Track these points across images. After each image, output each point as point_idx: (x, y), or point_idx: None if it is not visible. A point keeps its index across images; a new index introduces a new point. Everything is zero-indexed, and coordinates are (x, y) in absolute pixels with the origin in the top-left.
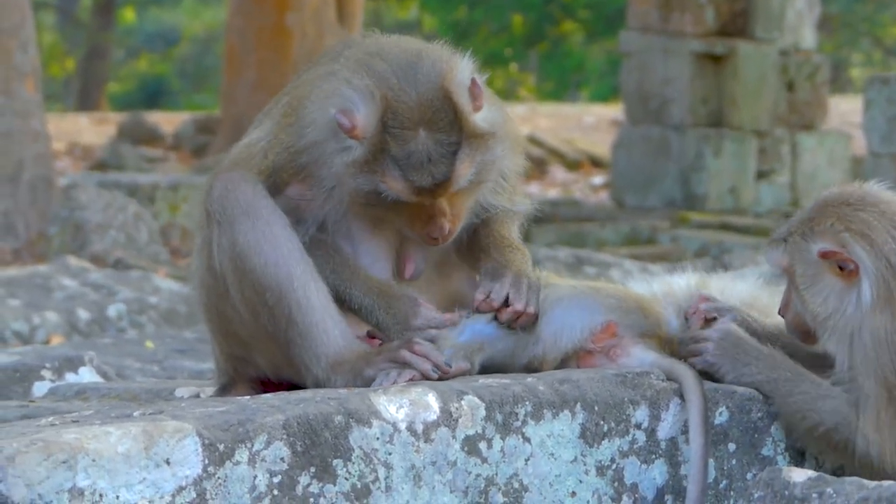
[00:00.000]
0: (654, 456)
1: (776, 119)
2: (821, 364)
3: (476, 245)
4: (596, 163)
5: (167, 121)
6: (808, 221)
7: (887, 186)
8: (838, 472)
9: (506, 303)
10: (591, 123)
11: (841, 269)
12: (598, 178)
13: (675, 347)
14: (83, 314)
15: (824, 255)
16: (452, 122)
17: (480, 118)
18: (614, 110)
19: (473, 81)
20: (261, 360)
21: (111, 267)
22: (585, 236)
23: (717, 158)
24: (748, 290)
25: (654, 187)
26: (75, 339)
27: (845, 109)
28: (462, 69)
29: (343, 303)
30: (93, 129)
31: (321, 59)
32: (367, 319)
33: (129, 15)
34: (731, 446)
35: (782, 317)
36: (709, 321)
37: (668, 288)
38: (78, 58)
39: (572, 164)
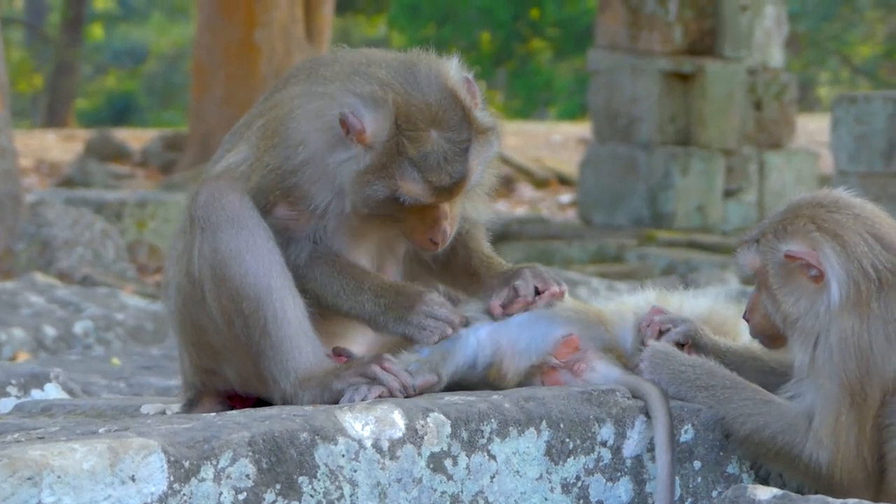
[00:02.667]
0: (619, 474)
1: (744, 137)
2: (768, 384)
3: (458, 265)
4: (563, 181)
5: (135, 137)
6: (780, 222)
7: (855, 194)
8: (802, 490)
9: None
10: (558, 141)
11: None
12: (566, 196)
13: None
14: (50, 331)
15: (791, 258)
16: (462, 120)
17: (481, 115)
18: (582, 128)
19: (469, 80)
20: (230, 372)
21: (78, 283)
22: (552, 254)
23: (684, 177)
24: (706, 305)
25: (621, 205)
26: (42, 356)
27: (813, 128)
28: (455, 70)
29: (347, 309)
30: (60, 146)
31: (290, 80)
32: (377, 319)
33: (97, 31)
34: (697, 464)
35: (747, 321)
36: (662, 333)
37: (626, 304)
38: (46, 74)
39: (540, 182)
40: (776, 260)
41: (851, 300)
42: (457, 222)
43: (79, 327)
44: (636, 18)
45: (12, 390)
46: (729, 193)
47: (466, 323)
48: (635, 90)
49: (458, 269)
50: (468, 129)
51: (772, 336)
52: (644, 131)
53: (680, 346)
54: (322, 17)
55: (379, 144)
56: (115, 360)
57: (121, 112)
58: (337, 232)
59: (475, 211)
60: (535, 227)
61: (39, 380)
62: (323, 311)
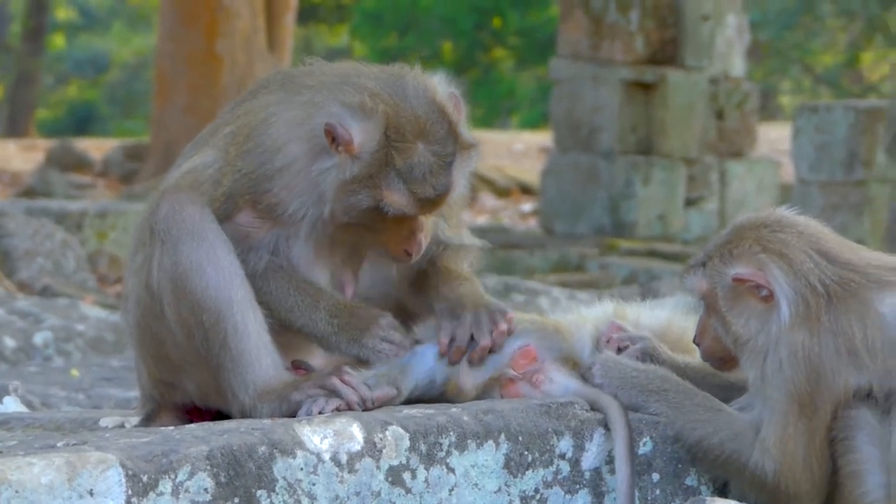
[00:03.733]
0: (578, 486)
1: (705, 147)
2: (728, 399)
3: (423, 280)
4: (525, 190)
5: (96, 147)
6: (726, 245)
7: (799, 212)
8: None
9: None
10: (520, 150)
11: (758, 293)
12: (528, 205)
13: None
14: (9, 342)
15: (738, 280)
16: (448, 134)
17: (465, 130)
18: (544, 137)
19: (455, 96)
20: (189, 384)
21: (38, 294)
22: (514, 263)
23: (645, 186)
24: (664, 318)
25: (583, 215)
26: (1, 368)
27: (774, 137)
28: (442, 84)
29: (300, 325)
30: (21, 156)
31: (260, 91)
32: (330, 339)
33: (58, 41)
34: (655, 476)
35: (697, 345)
36: (621, 350)
37: (584, 317)
38: (7, 84)
39: (502, 192)
40: (724, 283)
41: (801, 316)
42: (430, 235)
43: (38, 338)
44: (598, 28)
45: None
46: (690, 202)
47: (417, 343)
48: (597, 99)
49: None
50: (453, 143)
51: (723, 359)
52: (605, 140)
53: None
54: (284, 27)
55: (367, 155)
56: (75, 372)
57: (82, 121)
58: (304, 241)
59: (452, 225)
60: (496, 236)
61: None
62: (274, 322)
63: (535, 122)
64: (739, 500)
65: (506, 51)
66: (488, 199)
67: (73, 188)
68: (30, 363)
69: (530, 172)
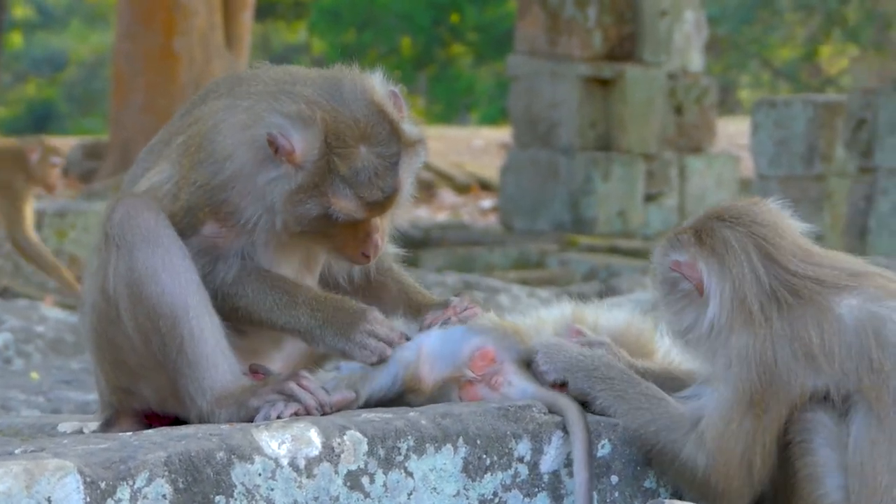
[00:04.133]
0: (536, 489)
1: (664, 142)
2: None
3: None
4: (485, 186)
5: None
6: (679, 230)
7: (777, 203)
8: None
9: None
10: (480, 146)
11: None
12: (487, 202)
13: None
14: None
15: (673, 268)
16: (390, 134)
17: (409, 127)
18: (504, 133)
19: (395, 94)
20: (147, 391)
21: None
22: (474, 260)
23: (605, 182)
24: (622, 319)
25: (542, 211)
26: None
27: (733, 131)
28: (380, 84)
29: (282, 324)
30: None
31: (209, 96)
32: (314, 333)
33: (15, 39)
34: (614, 478)
35: None
36: None
37: (543, 319)
38: None
39: (461, 188)
40: (663, 266)
41: (738, 319)
42: (387, 235)
43: None
44: (555, 23)
45: None
46: (650, 198)
47: (406, 339)
48: (555, 95)
49: (388, 299)
50: (397, 142)
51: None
52: (564, 136)
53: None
54: (241, 23)
55: (309, 164)
56: (34, 375)
57: (41, 120)
58: (265, 247)
59: (403, 219)
60: (456, 233)
61: None
62: (242, 328)
63: (494, 117)
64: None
65: (464, 47)
66: (448, 196)
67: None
68: None
69: (490, 168)
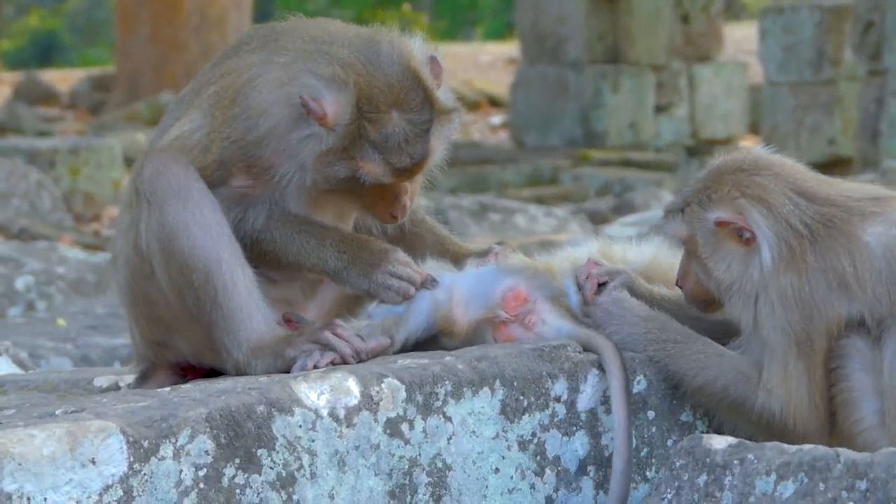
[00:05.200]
0: (574, 428)
1: (672, 52)
2: (709, 332)
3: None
4: (494, 102)
5: (62, 79)
6: (704, 190)
7: (773, 151)
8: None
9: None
10: (487, 62)
11: (739, 236)
12: (497, 118)
13: (578, 316)
14: None
15: (720, 224)
16: (423, 101)
17: (443, 95)
18: (510, 48)
19: (434, 60)
20: (182, 344)
21: (16, 236)
22: (487, 178)
23: (615, 94)
24: (650, 254)
25: (553, 126)
26: None
27: (740, 37)
28: (419, 48)
29: (310, 266)
30: None
31: (242, 48)
32: (341, 274)
33: None
34: (651, 414)
35: (680, 288)
36: (601, 285)
37: (571, 257)
38: None
39: (470, 105)
40: (704, 228)
41: (785, 259)
42: (417, 194)
43: (20, 283)
44: None
45: None
46: (660, 109)
47: (431, 282)
48: (562, 10)
49: (424, 248)
50: (430, 110)
51: (706, 301)
52: (572, 51)
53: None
54: None
55: (340, 127)
56: (61, 321)
57: (45, 51)
58: (296, 202)
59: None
60: (468, 152)
61: None
62: (274, 277)
63: (499, 32)
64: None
65: None
66: None
67: (43, 122)
68: (15, 315)
69: (498, 84)
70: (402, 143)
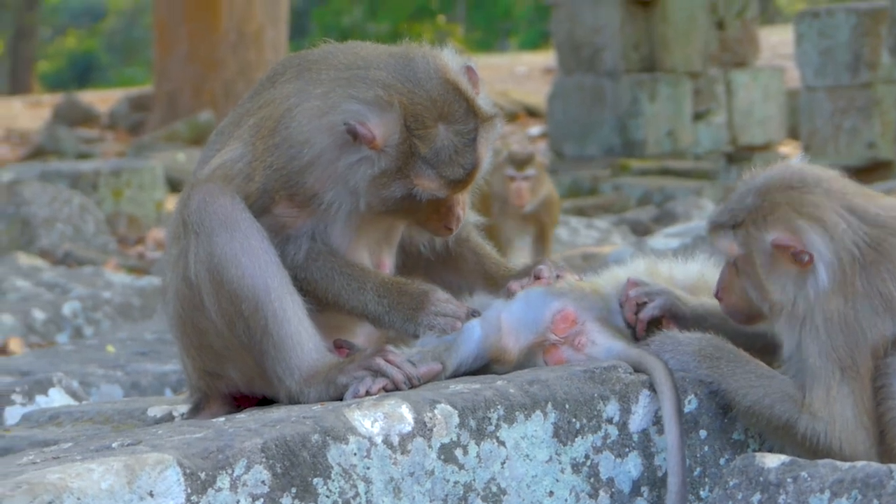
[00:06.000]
0: (627, 449)
1: (708, 59)
2: (752, 346)
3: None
4: (532, 113)
5: (101, 99)
6: (757, 210)
7: (807, 161)
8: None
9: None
10: (523, 73)
11: (795, 257)
12: (535, 129)
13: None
14: (38, 314)
15: (778, 246)
16: (466, 111)
17: (484, 102)
18: (546, 58)
19: (470, 69)
20: (234, 373)
21: (60, 261)
22: None
23: (652, 103)
24: (696, 271)
25: (592, 136)
26: (33, 340)
27: (776, 41)
28: (453, 60)
29: (350, 307)
30: (28, 114)
31: (277, 78)
32: (382, 319)
33: None
34: (703, 433)
35: (719, 300)
36: (640, 307)
37: (617, 275)
38: (6, 40)
39: (509, 116)
40: (761, 249)
41: (838, 281)
42: (468, 206)
43: (67, 309)
44: None
45: (17, 398)
46: (698, 116)
47: (474, 314)
48: (597, 19)
49: (466, 270)
50: (474, 118)
51: (748, 315)
52: (609, 60)
53: (658, 319)
54: None
55: (391, 148)
56: (110, 348)
57: (83, 71)
58: (343, 227)
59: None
60: None
61: (43, 385)
62: (322, 307)
63: (534, 42)
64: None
65: None
66: None
67: (83, 143)
68: (63, 341)
69: (535, 95)
70: (453, 154)
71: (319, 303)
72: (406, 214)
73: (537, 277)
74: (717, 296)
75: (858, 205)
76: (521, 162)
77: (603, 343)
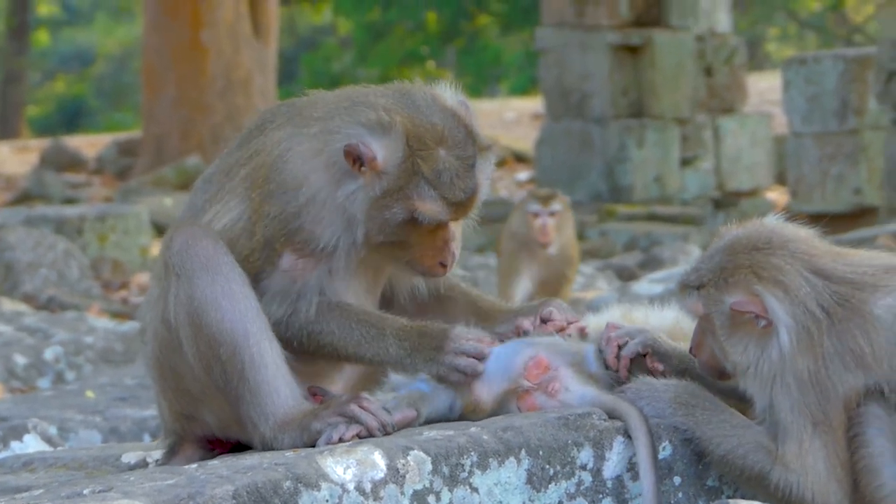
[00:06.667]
0: (601, 496)
1: (696, 105)
2: (732, 393)
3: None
4: (520, 158)
5: (89, 144)
6: (720, 271)
7: (785, 219)
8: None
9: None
10: (512, 119)
11: (756, 321)
12: (523, 174)
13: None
14: (20, 359)
15: (737, 310)
16: (466, 137)
17: (480, 133)
18: (535, 104)
19: (464, 103)
20: (209, 417)
21: (44, 306)
22: None
23: (640, 149)
24: (672, 318)
25: (579, 182)
26: (14, 385)
27: (764, 87)
28: (449, 93)
29: (370, 356)
30: (15, 158)
31: (266, 125)
32: (405, 363)
33: (42, 37)
34: (677, 480)
35: (694, 356)
36: (621, 348)
37: (591, 323)
38: None
39: (497, 162)
40: (721, 311)
41: (803, 343)
42: (460, 245)
43: (49, 354)
44: None
45: None
46: (685, 162)
47: (500, 340)
48: (585, 66)
49: (456, 311)
50: (473, 145)
51: (721, 372)
52: (597, 106)
53: (640, 356)
54: (268, 11)
55: (393, 168)
56: (90, 393)
57: (72, 116)
58: (343, 272)
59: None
60: (496, 209)
61: (18, 431)
62: (340, 359)
63: (524, 87)
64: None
65: (490, 17)
66: None
67: (69, 188)
68: (43, 387)
69: (524, 140)
70: (454, 177)
71: (338, 356)
72: (401, 248)
73: (545, 321)
74: (691, 351)
75: (825, 265)
76: (545, 197)
77: (577, 389)
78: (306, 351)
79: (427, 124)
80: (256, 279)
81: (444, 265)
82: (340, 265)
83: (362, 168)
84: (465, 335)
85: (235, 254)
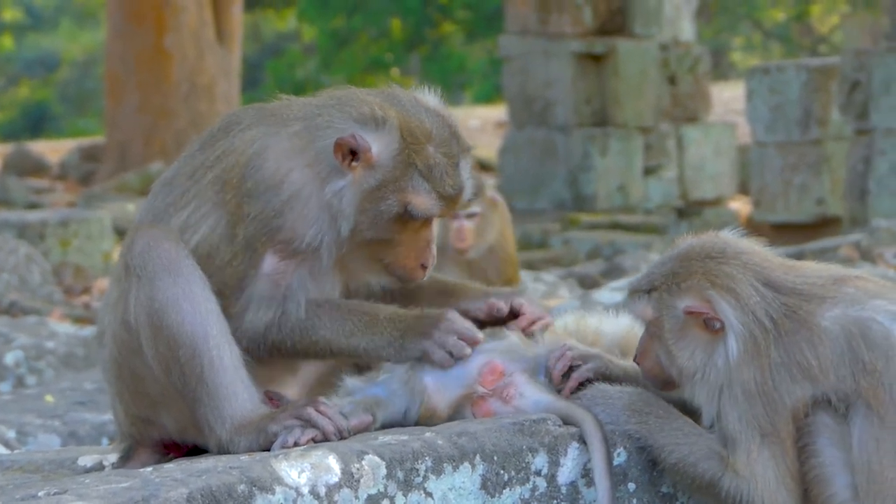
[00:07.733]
0: (555, 501)
1: (660, 114)
2: (685, 403)
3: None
4: (483, 166)
5: (52, 150)
6: (672, 276)
7: (741, 234)
8: None
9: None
10: (476, 126)
11: (706, 325)
12: (487, 182)
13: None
14: None
15: (690, 313)
16: (451, 135)
17: (462, 134)
18: (499, 111)
19: (444, 106)
20: (167, 420)
21: (5, 311)
22: None
23: (603, 157)
24: (625, 326)
25: (542, 190)
26: None
27: (728, 97)
28: (432, 96)
29: (364, 345)
30: None
31: (232, 127)
32: (394, 344)
33: (6, 42)
34: (632, 486)
35: (638, 364)
36: (572, 369)
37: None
38: None
39: None
40: (670, 314)
41: (750, 352)
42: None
43: (10, 358)
44: (545, 1)
45: None
46: (649, 171)
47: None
48: (549, 74)
49: (426, 296)
50: (457, 144)
51: (664, 381)
52: (560, 114)
53: (589, 381)
54: (232, 17)
55: (387, 160)
56: (49, 398)
57: (36, 122)
58: (328, 267)
59: None
60: None
61: None
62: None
63: (488, 95)
64: None
65: (454, 25)
66: None
67: (33, 193)
68: (4, 388)
69: (488, 148)
70: (444, 173)
71: (331, 350)
72: (385, 247)
73: (515, 311)
74: (635, 360)
75: (776, 278)
76: None
77: (531, 395)
78: (298, 350)
79: (416, 120)
80: (240, 287)
81: (424, 266)
82: (321, 264)
83: (353, 163)
84: (459, 318)
85: (217, 261)
